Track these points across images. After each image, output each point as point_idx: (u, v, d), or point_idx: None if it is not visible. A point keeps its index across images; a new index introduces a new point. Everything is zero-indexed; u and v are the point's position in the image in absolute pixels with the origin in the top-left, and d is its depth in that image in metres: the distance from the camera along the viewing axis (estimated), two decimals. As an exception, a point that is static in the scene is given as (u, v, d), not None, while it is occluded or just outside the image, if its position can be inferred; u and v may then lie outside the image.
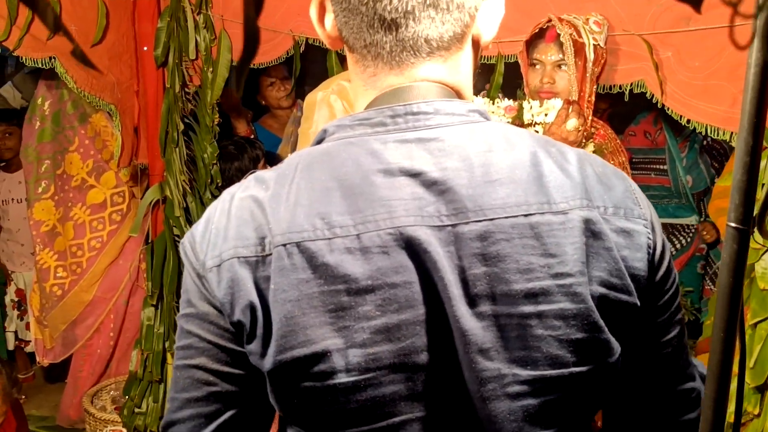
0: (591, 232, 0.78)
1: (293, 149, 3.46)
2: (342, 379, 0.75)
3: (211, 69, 2.86)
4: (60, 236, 3.24)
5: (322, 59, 2.89)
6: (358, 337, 0.75)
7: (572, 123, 2.22)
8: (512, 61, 2.59)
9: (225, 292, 0.78)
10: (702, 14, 2.42)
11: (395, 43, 0.80)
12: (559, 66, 2.35)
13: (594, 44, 2.37)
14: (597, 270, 0.78)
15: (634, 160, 3.24)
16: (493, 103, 2.41)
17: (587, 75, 2.36)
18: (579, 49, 2.32)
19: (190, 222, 3.00)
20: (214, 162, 2.99)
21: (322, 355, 0.75)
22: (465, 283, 0.76)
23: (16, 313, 4.21)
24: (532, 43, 2.39)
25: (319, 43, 2.85)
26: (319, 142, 0.84)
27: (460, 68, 0.85)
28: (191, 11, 2.86)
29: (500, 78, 2.70)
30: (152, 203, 3.01)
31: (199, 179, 3.00)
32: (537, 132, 2.35)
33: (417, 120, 0.81)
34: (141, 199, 3.16)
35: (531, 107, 2.33)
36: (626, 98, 2.58)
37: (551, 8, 2.43)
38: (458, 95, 0.85)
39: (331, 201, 0.77)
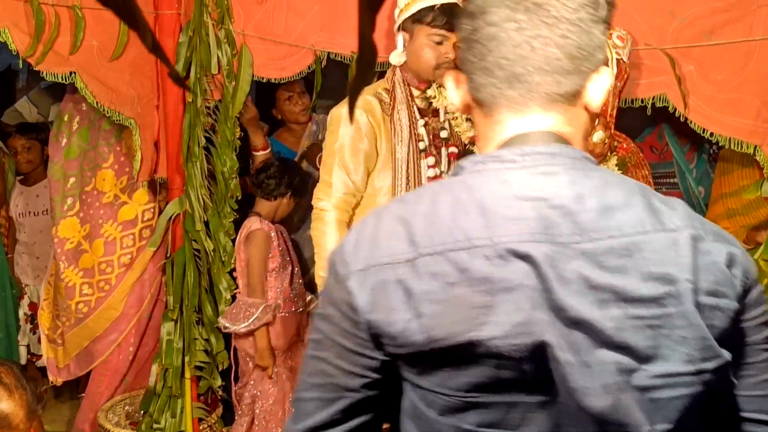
0: (698, 248, 0.91)
1: (310, 163, 3.47)
2: (486, 364, 0.90)
3: (232, 83, 2.87)
4: (86, 253, 3.24)
5: (342, 74, 2.90)
6: (497, 331, 0.89)
7: (598, 135, 2.23)
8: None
9: (370, 296, 0.94)
10: (725, 28, 2.44)
11: (523, 97, 0.97)
12: None
13: (617, 59, 2.39)
14: (705, 282, 0.90)
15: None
16: None
17: (609, 90, 2.37)
18: None
19: (209, 236, 3.00)
20: (234, 176, 2.99)
21: (469, 344, 0.89)
22: (593, 289, 0.89)
23: (29, 326, 4.21)
24: None
25: (341, 57, 2.87)
26: (455, 174, 1.01)
27: (574, 122, 0.99)
28: (213, 26, 2.87)
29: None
30: (173, 217, 3.01)
31: (218, 193, 3.01)
32: None
33: (542, 158, 0.96)
34: (160, 212, 3.16)
35: None
36: (649, 111, 2.59)
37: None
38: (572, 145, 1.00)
39: (470, 218, 0.93)
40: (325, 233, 2.50)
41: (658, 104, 2.56)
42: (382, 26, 2.69)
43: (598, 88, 1.00)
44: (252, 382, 3.11)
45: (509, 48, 0.95)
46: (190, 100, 2.90)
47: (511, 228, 0.91)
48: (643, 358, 0.88)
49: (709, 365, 0.90)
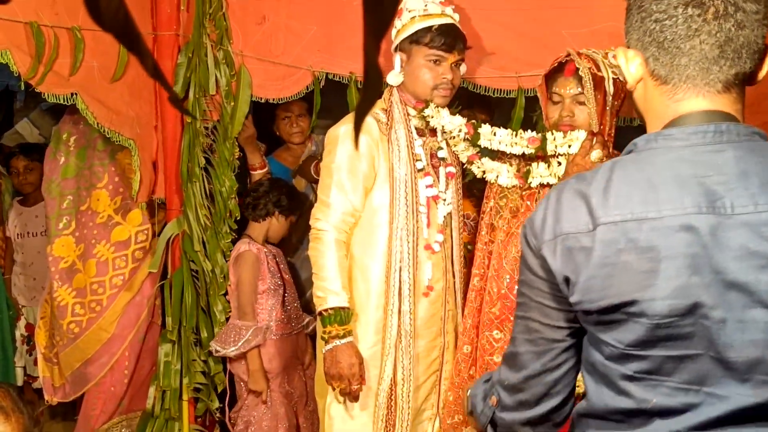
0: None
1: (305, 175, 3.47)
2: (647, 321, 1.05)
3: (231, 103, 2.88)
4: (79, 273, 3.22)
5: (341, 94, 2.91)
6: (659, 293, 1.04)
7: (596, 154, 2.23)
8: (532, 95, 2.61)
9: (560, 260, 1.12)
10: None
11: (711, 80, 1.09)
12: (579, 100, 2.35)
13: (614, 78, 2.38)
14: None
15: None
16: (516, 135, 2.42)
17: (607, 108, 2.36)
18: (598, 82, 2.31)
19: (208, 257, 2.99)
20: (233, 196, 2.99)
21: (632, 303, 1.06)
22: (752, 255, 1.02)
23: (25, 348, 4.18)
24: (551, 78, 2.40)
25: (339, 78, 2.88)
26: (629, 152, 1.14)
27: (741, 100, 1.13)
28: (211, 47, 2.88)
29: (521, 111, 2.72)
30: (171, 238, 3.01)
31: (216, 213, 3.00)
32: (560, 164, 2.36)
33: (710, 136, 1.08)
34: (159, 233, 3.14)
35: (554, 138, 2.34)
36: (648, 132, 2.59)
37: (571, 42, 2.46)
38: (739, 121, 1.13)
39: (640, 193, 1.07)
40: (324, 254, 2.49)
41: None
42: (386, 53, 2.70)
43: (764, 69, 1.13)
44: (245, 407, 3.08)
45: (703, 36, 1.08)
46: (189, 120, 2.91)
47: (677, 202, 1.05)
48: None
49: None
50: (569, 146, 2.31)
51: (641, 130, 2.57)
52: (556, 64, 2.37)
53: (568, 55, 2.36)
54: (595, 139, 2.24)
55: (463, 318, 2.56)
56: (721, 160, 1.06)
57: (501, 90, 2.71)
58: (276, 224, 3.15)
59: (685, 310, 1.04)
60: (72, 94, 2.70)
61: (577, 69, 2.31)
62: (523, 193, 2.45)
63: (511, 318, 2.41)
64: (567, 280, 1.12)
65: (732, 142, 1.07)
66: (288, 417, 3.08)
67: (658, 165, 1.08)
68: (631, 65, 1.15)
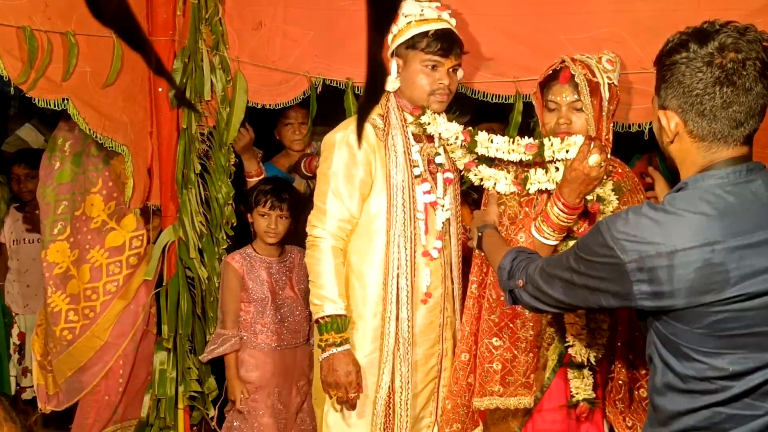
0: None
1: (297, 171, 3.45)
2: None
3: (227, 109, 2.85)
4: (73, 279, 3.19)
5: (339, 100, 2.89)
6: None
7: (594, 159, 2.20)
8: (530, 100, 2.59)
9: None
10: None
11: (738, 136, 1.42)
12: (575, 107, 2.33)
13: (609, 83, 2.37)
14: None
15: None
16: (513, 142, 2.40)
17: (603, 114, 2.35)
18: (594, 88, 2.31)
19: (204, 264, 2.97)
20: (229, 202, 2.97)
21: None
22: None
23: (16, 357, 4.14)
24: (546, 85, 2.38)
25: (336, 83, 2.86)
26: (679, 189, 1.45)
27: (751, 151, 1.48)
28: (207, 52, 2.86)
29: (519, 116, 2.71)
30: (167, 245, 2.98)
31: (213, 220, 2.98)
32: (557, 169, 2.33)
33: (744, 174, 1.42)
34: (154, 240, 3.11)
35: (552, 144, 2.32)
36: (646, 137, 2.59)
37: (568, 47, 2.45)
38: None
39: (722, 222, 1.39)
40: (321, 261, 2.46)
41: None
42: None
43: None
44: (230, 414, 3.06)
45: (735, 107, 1.39)
46: (185, 126, 2.88)
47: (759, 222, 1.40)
48: None
49: None
50: (567, 152, 2.29)
51: (633, 138, 2.57)
52: (550, 72, 2.35)
53: (563, 61, 2.34)
54: (592, 143, 2.21)
55: (462, 325, 2.53)
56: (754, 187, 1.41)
57: (499, 95, 2.69)
58: (260, 221, 3.05)
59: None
60: (63, 100, 2.67)
61: (573, 75, 2.30)
62: (521, 199, 2.43)
63: (511, 325, 2.39)
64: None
65: (762, 174, 1.43)
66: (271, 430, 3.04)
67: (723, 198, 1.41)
68: (671, 123, 1.46)
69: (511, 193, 2.43)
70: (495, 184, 2.45)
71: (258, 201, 3.04)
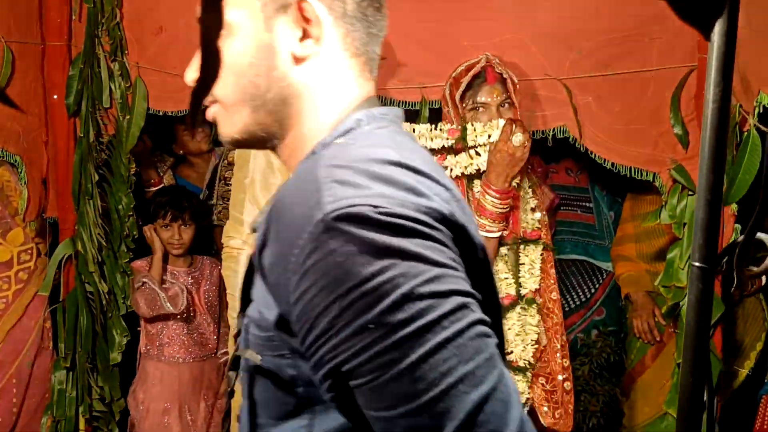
0: None
1: (219, 198, 3.36)
2: None
3: (126, 117, 2.75)
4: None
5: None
6: None
7: (518, 138, 2.21)
8: (437, 106, 2.58)
9: None
10: (621, 60, 2.49)
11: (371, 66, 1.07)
12: (503, 105, 2.36)
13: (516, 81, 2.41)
14: None
15: (561, 197, 3.27)
16: (436, 128, 2.39)
17: (518, 111, 2.40)
18: (513, 85, 2.38)
19: (104, 277, 2.84)
20: (130, 213, 2.85)
21: None
22: None
23: None
24: (471, 88, 2.38)
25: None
26: (348, 130, 0.99)
27: None
28: (105, 58, 2.75)
29: (425, 122, 2.69)
30: (63, 259, 2.83)
31: (113, 232, 2.86)
32: (479, 155, 2.33)
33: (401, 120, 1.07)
34: (46, 253, 2.96)
35: (474, 129, 2.33)
36: (549, 143, 2.61)
37: (472, 54, 2.44)
38: None
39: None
40: (238, 273, 2.39)
41: (559, 135, 2.57)
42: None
43: None
44: None
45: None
46: (82, 134, 2.76)
47: None
48: None
49: None
50: (489, 136, 2.30)
51: (543, 138, 2.59)
52: (474, 74, 2.36)
53: (487, 61, 2.35)
54: (515, 124, 2.23)
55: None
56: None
57: (405, 102, 2.67)
58: (163, 233, 3.01)
59: None
60: (-55, 107, 2.53)
61: (500, 74, 2.33)
62: None
63: None
64: None
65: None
66: None
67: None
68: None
69: None
70: None
71: (157, 213, 2.98)
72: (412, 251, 0.79)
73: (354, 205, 0.79)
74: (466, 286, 0.82)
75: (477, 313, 0.81)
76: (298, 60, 1.01)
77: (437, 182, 0.91)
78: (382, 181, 0.84)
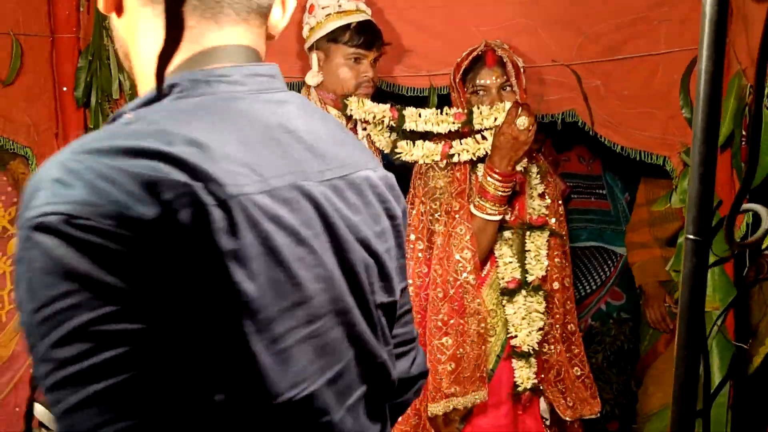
0: None
1: None
2: None
3: (135, 108, 2.76)
4: (-29, 288, 3.04)
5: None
6: None
7: (522, 121, 2.21)
8: (445, 93, 2.57)
9: None
10: (629, 43, 2.46)
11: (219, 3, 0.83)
12: (503, 88, 2.36)
13: (522, 66, 2.41)
14: None
15: (573, 185, 3.26)
16: (442, 112, 2.38)
17: (525, 95, 2.40)
18: (516, 69, 2.37)
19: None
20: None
21: None
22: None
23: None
24: (470, 71, 2.38)
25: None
26: (148, 101, 0.83)
27: (262, 45, 0.90)
28: (113, 50, 2.77)
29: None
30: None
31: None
32: (485, 139, 2.33)
33: (267, 82, 0.86)
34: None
35: (481, 112, 2.33)
36: (559, 127, 2.59)
37: (480, 39, 2.43)
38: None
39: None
40: None
41: (568, 120, 2.56)
42: (292, 48, 2.63)
43: (284, 15, 0.93)
44: None
45: None
46: (92, 126, 2.78)
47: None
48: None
49: None
50: (495, 119, 2.30)
51: (554, 125, 2.58)
52: (473, 57, 2.36)
53: (486, 45, 2.35)
54: (520, 107, 2.22)
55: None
56: (292, 111, 0.91)
57: (413, 89, 2.66)
58: None
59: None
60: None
61: (500, 58, 2.34)
62: (455, 187, 2.38)
63: (461, 321, 2.31)
64: None
65: (284, 90, 0.94)
66: None
67: (243, 115, 0.87)
68: None
69: (444, 185, 2.39)
70: (412, 154, 2.40)
71: None
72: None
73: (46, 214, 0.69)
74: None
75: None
76: (118, 10, 0.87)
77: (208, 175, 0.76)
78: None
